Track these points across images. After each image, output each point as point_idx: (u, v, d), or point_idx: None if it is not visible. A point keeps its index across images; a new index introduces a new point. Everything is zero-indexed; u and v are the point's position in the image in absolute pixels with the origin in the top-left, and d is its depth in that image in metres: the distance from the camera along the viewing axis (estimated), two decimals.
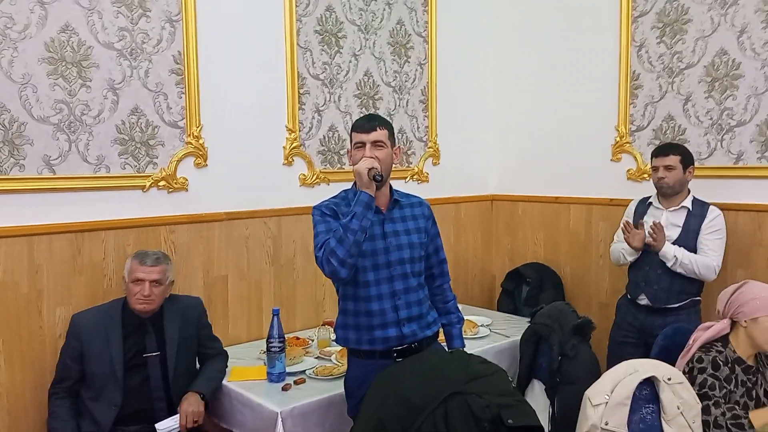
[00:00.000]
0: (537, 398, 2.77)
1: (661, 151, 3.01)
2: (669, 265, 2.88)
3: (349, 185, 3.47)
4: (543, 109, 3.97)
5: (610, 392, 1.92)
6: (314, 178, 3.34)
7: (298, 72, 3.23)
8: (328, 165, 3.41)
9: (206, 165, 2.95)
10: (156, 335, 2.49)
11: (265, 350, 2.68)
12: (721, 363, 2.04)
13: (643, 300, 2.98)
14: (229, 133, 3.01)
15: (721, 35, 3.20)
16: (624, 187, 3.59)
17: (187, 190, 2.90)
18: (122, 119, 2.70)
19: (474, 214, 4.14)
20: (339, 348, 2.83)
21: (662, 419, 1.93)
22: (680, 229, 2.95)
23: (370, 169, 2.01)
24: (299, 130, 3.27)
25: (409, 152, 3.79)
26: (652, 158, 3.06)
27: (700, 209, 2.97)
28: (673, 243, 2.91)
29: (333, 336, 3.00)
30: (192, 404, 2.39)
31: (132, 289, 2.44)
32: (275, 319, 2.52)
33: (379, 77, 3.59)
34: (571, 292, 3.87)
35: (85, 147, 2.62)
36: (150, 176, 2.79)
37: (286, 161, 3.23)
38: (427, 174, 3.87)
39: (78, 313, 2.48)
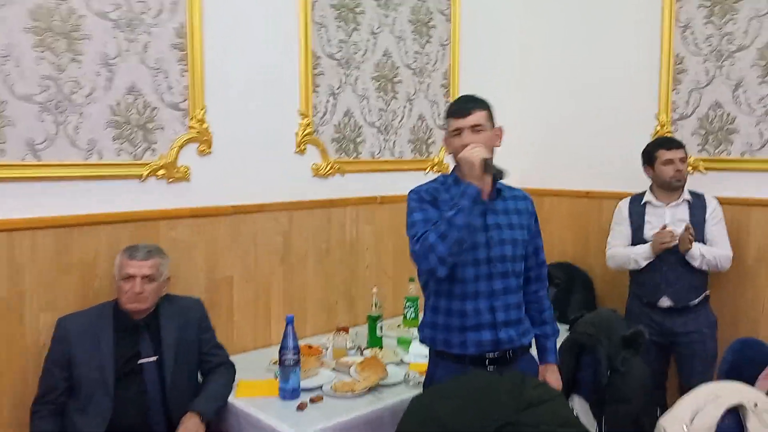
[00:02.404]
0: (578, 416, 2.48)
1: (674, 143, 2.92)
2: (696, 264, 2.80)
3: (365, 176, 3.29)
4: (574, 95, 3.66)
5: (690, 422, 1.64)
6: (328, 168, 3.03)
7: (312, 50, 2.92)
8: (343, 154, 3.10)
9: (210, 152, 2.64)
10: (151, 338, 2.22)
11: (277, 362, 2.40)
12: None
13: (665, 302, 2.87)
14: (236, 117, 2.70)
15: None
16: None
17: (189, 180, 2.59)
18: (117, 99, 2.39)
19: None
20: (358, 359, 2.54)
21: None
22: (688, 223, 2.84)
23: (484, 160, 1.79)
24: (313, 115, 2.96)
25: (428, 141, 3.48)
26: (657, 151, 2.92)
27: (698, 200, 2.92)
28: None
29: (349, 344, 2.74)
30: (189, 429, 2.10)
31: (122, 286, 2.16)
32: (289, 327, 2.23)
33: (399, 58, 3.28)
34: (602, 294, 3.58)
35: (74, 130, 2.31)
36: (148, 164, 2.48)
37: (298, 149, 2.92)
38: (448, 165, 3.57)
39: (64, 316, 2.19)
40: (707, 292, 2.92)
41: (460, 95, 2.05)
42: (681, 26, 3.21)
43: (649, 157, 2.99)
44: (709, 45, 3.12)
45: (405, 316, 3.08)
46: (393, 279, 3.31)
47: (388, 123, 3.27)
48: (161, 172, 2.51)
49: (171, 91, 2.51)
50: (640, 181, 3.26)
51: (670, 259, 2.83)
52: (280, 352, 2.22)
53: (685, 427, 1.63)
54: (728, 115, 3.09)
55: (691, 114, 3.22)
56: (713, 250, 2.82)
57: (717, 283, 3.00)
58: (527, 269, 2.07)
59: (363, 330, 2.97)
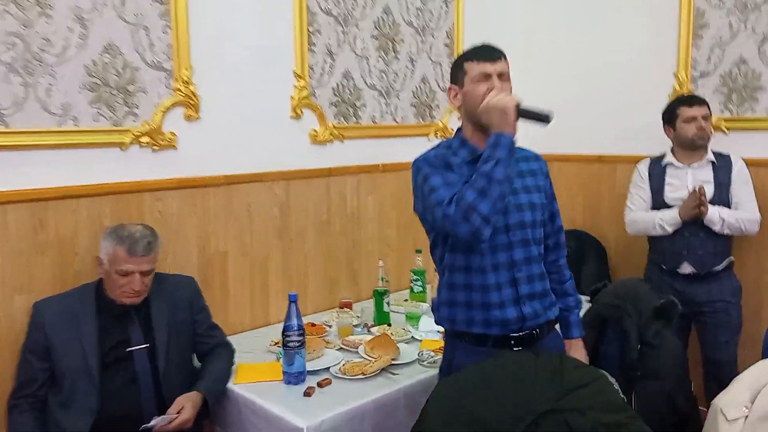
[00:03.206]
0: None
1: (696, 100, 2.75)
2: (716, 228, 2.65)
3: (366, 143, 3.06)
4: (585, 52, 3.43)
5: (750, 403, 1.46)
6: (327, 134, 2.81)
7: (307, 5, 2.67)
8: (342, 119, 2.87)
9: (199, 118, 2.41)
10: (142, 323, 2.03)
11: (279, 342, 2.21)
12: None
13: (687, 269, 2.73)
14: (226, 78, 2.47)
15: None
16: None
17: (176, 148, 2.36)
18: (93, 58, 2.15)
19: None
20: (367, 337, 2.36)
21: None
22: (713, 185, 2.69)
23: (518, 105, 1.60)
24: (309, 77, 2.72)
25: (432, 105, 3.26)
26: (678, 108, 2.75)
27: (723, 161, 2.75)
28: (710, 202, 2.65)
29: (355, 321, 2.56)
30: (188, 401, 1.92)
31: (117, 280, 1.95)
32: (293, 306, 2.03)
33: (399, 15, 3.04)
34: (616, 263, 3.42)
35: (46, 93, 2.06)
36: (129, 131, 2.24)
37: (294, 114, 2.69)
38: (452, 130, 3.34)
39: (41, 300, 1.99)
40: (732, 258, 2.77)
41: (481, 43, 1.80)
42: None
43: (670, 115, 2.80)
44: None
45: (412, 290, 2.89)
46: (397, 251, 3.11)
47: (389, 86, 3.04)
48: (145, 139, 2.28)
49: (153, 49, 2.27)
50: (659, 143, 3.06)
51: (692, 223, 2.67)
52: (283, 333, 2.03)
53: (745, 408, 1.46)
54: (753, 71, 2.89)
55: (714, 71, 3.01)
56: (735, 213, 2.66)
57: (740, 247, 2.83)
58: (544, 237, 1.86)
59: (368, 306, 2.77)
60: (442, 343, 2.30)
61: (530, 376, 1.50)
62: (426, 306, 2.79)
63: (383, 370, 2.10)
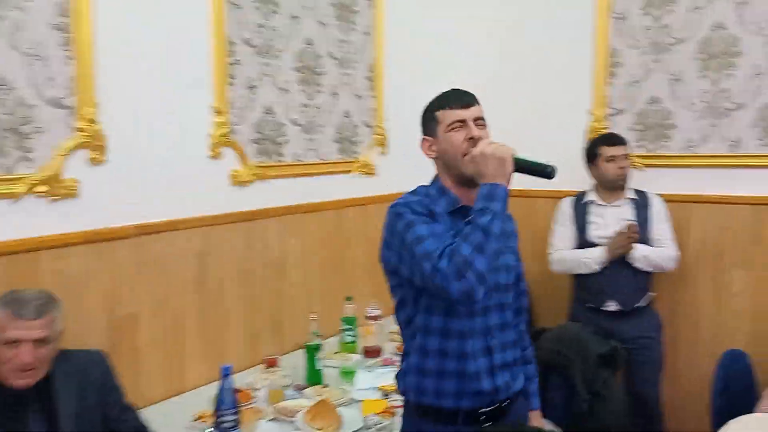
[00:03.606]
0: None
1: (618, 139, 2.81)
2: (638, 265, 2.71)
3: (289, 182, 2.84)
4: (506, 88, 3.42)
5: None
6: (249, 174, 2.58)
7: (226, 35, 2.45)
8: (264, 157, 2.66)
9: (105, 161, 2.11)
10: (43, 412, 1.69)
11: (204, 418, 1.98)
12: None
13: (612, 306, 2.75)
14: (136, 115, 2.19)
15: (717, 6, 2.82)
16: None
17: (78, 196, 2.05)
18: None
19: None
20: (303, 403, 2.15)
21: None
22: (630, 223, 2.74)
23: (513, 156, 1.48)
24: (229, 112, 2.49)
25: (355, 140, 3.11)
26: (599, 148, 2.80)
27: (642, 198, 2.82)
28: None
29: (286, 381, 2.34)
30: None
31: (4, 354, 1.61)
32: (226, 380, 1.78)
33: (321, 46, 2.87)
34: (537, 298, 3.41)
35: None
36: (23, 178, 1.91)
37: (212, 153, 2.45)
38: (374, 166, 3.22)
39: None
40: (652, 294, 2.83)
41: (450, 89, 1.68)
42: (616, 17, 3.07)
43: (592, 154, 2.85)
44: (647, 37, 3.00)
45: (342, 342, 2.71)
46: (322, 298, 2.92)
47: (312, 120, 2.86)
48: (41, 188, 1.95)
49: (52, 83, 1.95)
50: (578, 180, 3.11)
51: (617, 261, 2.71)
52: (215, 411, 1.78)
53: None
54: (666, 110, 3.00)
55: (628, 109, 3.10)
56: (655, 250, 2.72)
57: (657, 282, 2.90)
58: None
59: (294, 360, 2.58)
60: (385, 404, 2.16)
61: None
62: (359, 357, 2.63)
63: None
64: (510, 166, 1.47)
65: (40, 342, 1.64)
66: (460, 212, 1.59)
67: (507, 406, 1.63)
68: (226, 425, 1.77)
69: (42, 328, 1.64)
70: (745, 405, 2.06)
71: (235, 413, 1.78)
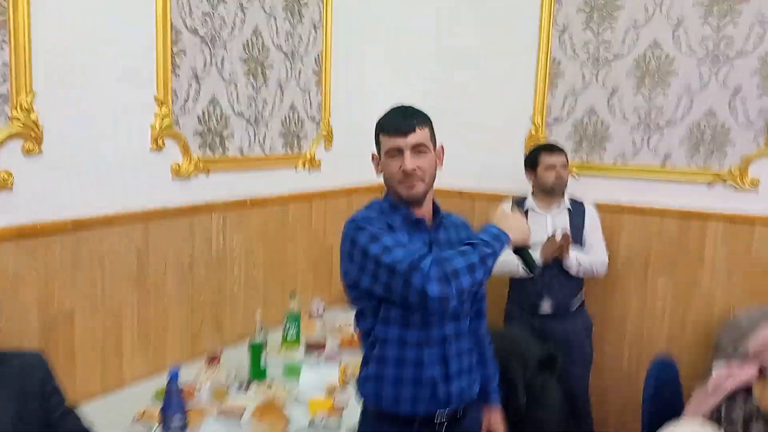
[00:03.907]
0: None
1: (555, 148, 2.91)
2: (572, 271, 2.82)
3: (233, 176, 2.76)
4: (450, 90, 3.48)
5: None
6: (191, 167, 2.51)
7: (171, 22, 2.36)
8: (208, 150, 2.59)
9: (41, 152, 1.99)
10: None
11: (142, 416, 1.94)
12: (750, 424, 1.75)
13: (546, 308, 2.86)
14: (74, 105, 2.08)
15: (655, 27, 2.96)
16: None
17: (11, 188, 1.93)
18: None
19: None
20: (247, 401, 2.14)
21: None
22: (569, 230, 2.85)
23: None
24: (172, 103, 2.41)
25: (301, 134, 3.08)
26: (539, 156, 2.89)
27: (578, 207, 2.93)
28: None
29: (230, 379, 2.32)
30: None
31: None
32: (173, 384, 1.75)
33: (269, 38, 2.82)
34: None
35: None
36: None
37: (154, 145, 2.36)
38: (320, 161, 3.20)
39: None
40: (583, 297, 2.96)
41: (395, 106, 1.68)
42: (558, 29, 3.17)
43: (532, 161, 2.93)
44: (587, 51, 3.11)
45: (285, 337, 2.69)
46: (265, 293, 2.89)
47: (258, 113, 2.81)
48: None
49: None
50: (517, 182, 3.21)
51: (551, 265, 2.81)
52: (163, 413, 1.75)
53: None
54: (602, 122, 3.13)
55: (567, 119, 3.21)
56: (588, 257, 2.84)
57: (589, 285, 3.04)
58: None
59: (235, 354, 2.55)
60: (331, 403, 2.18)
61: None
62: (302, 354, 2.62)
63: None
64: (525, 239, 1.64)
65: None
66: (416, 225, 1.63)
67: (463, 412, 1.69)
68: (175, 427, 1.74)
69: None
70: (674, 409, 2.20)
71: (184, 415, 1.76)
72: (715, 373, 2.01)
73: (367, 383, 1.67)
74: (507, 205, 2.85)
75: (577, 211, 2.92)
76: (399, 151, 1.59)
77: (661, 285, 3.04)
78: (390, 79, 3.57)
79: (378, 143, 1.66)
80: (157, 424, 1.91)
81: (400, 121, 1.62)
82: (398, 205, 1.66)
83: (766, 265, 2.81)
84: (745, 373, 1.82)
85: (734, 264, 2.87)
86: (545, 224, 2.89)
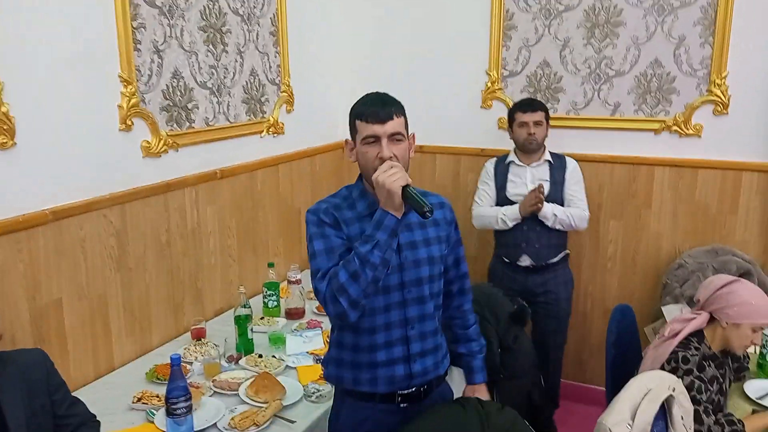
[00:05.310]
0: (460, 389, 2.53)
1: (530, 106, 2.94)
2: (549, 223, 2.88)
3: (201, 149, 2.76)
4: (406, 47, 3.50)
5: (631, 420, 1.72)
6: (161, 144, 2.49)
7: None
8: (175, 125, 2.57)
9: (14, 144, 1.96)
10: None
11: (145, 399, 2.02)
12: (704, 364, 1.97)
13: (525, 261, 2.96)
14: (43, 93, 2.03)
15: None
16: (495, 137, 3.38)
17: None
18: None
19: (330, 164, 3.59)
20: (241, 374, 2.24)
21: None
22: (548, 183, 2.94)
23: (405, 187, 1.50)
24: (137, 81, 2.36)
25: (262, 99, 3.07)
26: (515, 113, 2.95)
27: (558, 161, 2.99)
28: (546, 199, 2.88)
29: (219, 353, 2.40)
30: None
31: None
32: (176, 369, 1.82)
33: (225, 2, 2.76)
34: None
35: None
36: None
37: (123, 126, 2.33)
38: (283, 125, 3.21)
39: None
40: (567, 251, 3.04)
41: (369, 93, 1.66)
42: None
43: (510, 118, 2.98)
44: (538, 2, 3.18)
45: (266, 305, 2.77)
46: (240, 263, 2.94)
47: (220, 82, 2.78)
48: None
49: None
50: (475, 136, 3.32)
51: (530, 218, 2.88)
52: (167, 399, 1.82)
53: (628, 425, 1.71)
54: (555, 74, 3.23)
55: (521, 71, 3.30)
56: (566, 210, 2.88)
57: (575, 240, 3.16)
58: (448, 282, 1.85)
59: (219, 327, 2.63)
60: (320, 370, 2.29)
61: (463, 428, 1.59)
62: (283, 321, 2.72)
63: (275, 416, 2.01)
64: (397, 198, 1.50)
65: None
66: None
67: (426, 390, 1.76)
68: (180, 411, 1.82)
69: None
70: (634, 349, 2.43)
71: (188, 399, 1.84)
72: (668, 316, 2.21)
73: (330, 366, 1.77)
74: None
75: (558, 165, 2.96)
76: (376, 139, 1.59)
77: (613, 228, 3.26)
78: (347, 37, 3.56)
79: (353, 129, 1.65)
80: (159, 407, 2.00)
81: (379, 108, 1.60)
82: (366, 193, 1.68)
83: (708, 207, 3.04)
84: (697, 320, 2.03)
85: (679, 207, 3.09)
86: (525, 177, 2.96)
